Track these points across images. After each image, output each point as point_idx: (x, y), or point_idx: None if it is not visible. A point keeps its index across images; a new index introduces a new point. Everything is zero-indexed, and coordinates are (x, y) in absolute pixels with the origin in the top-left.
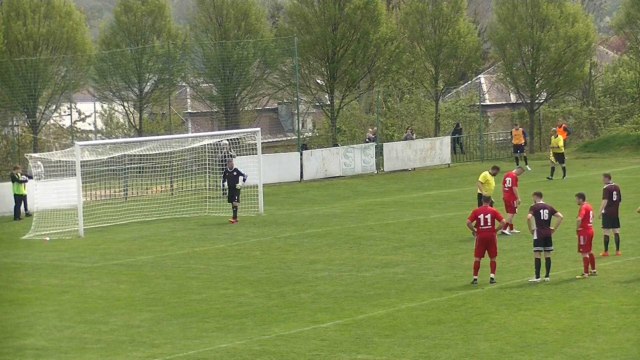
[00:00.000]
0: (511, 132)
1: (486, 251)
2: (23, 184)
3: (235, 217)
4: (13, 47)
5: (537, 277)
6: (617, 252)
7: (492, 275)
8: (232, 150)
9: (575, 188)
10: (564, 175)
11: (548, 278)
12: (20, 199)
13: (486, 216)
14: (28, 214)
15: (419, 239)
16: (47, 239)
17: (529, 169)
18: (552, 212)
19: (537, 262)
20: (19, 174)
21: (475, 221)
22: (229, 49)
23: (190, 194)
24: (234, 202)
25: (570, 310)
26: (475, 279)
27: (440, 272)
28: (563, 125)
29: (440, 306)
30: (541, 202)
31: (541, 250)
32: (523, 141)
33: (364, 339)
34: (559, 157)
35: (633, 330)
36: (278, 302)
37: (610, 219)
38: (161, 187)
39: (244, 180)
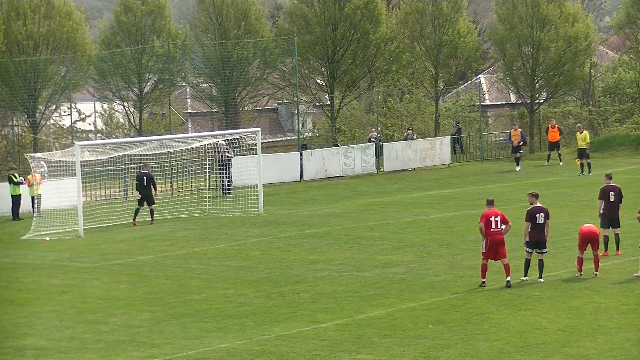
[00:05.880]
0: (509, 132)
1: (495, 254)
2: (19, 185)
3: (134, 220)
4: (13, 47)
5: (525, 275)
6: (617, 252)
7: (508, 278)
8: (229, 150)
9: (575, 188)
10: (590, 172)
11: (542, 279)
12: (18, 200)
13: (496, 219)
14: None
15: (419, 239)
16: (47, 239)
17: (518, 169)
18: (546, 217)
19: (527, 261)
20: (15, 175)
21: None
22: (229, 49)
23: (190, 194)
24: (148, 206)
25: (570, 310)
26: (484, 282)
27: (440, 272)
28: (557, 125)
29: (440, 306)
30: (538, 204)
31: (532, 252)
32: (521, 142)
33: (364, 339)
34: (582, 153)
35: (633, 330)
36: (278, 302)
37: (609, 219)
38: (161, 187)
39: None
